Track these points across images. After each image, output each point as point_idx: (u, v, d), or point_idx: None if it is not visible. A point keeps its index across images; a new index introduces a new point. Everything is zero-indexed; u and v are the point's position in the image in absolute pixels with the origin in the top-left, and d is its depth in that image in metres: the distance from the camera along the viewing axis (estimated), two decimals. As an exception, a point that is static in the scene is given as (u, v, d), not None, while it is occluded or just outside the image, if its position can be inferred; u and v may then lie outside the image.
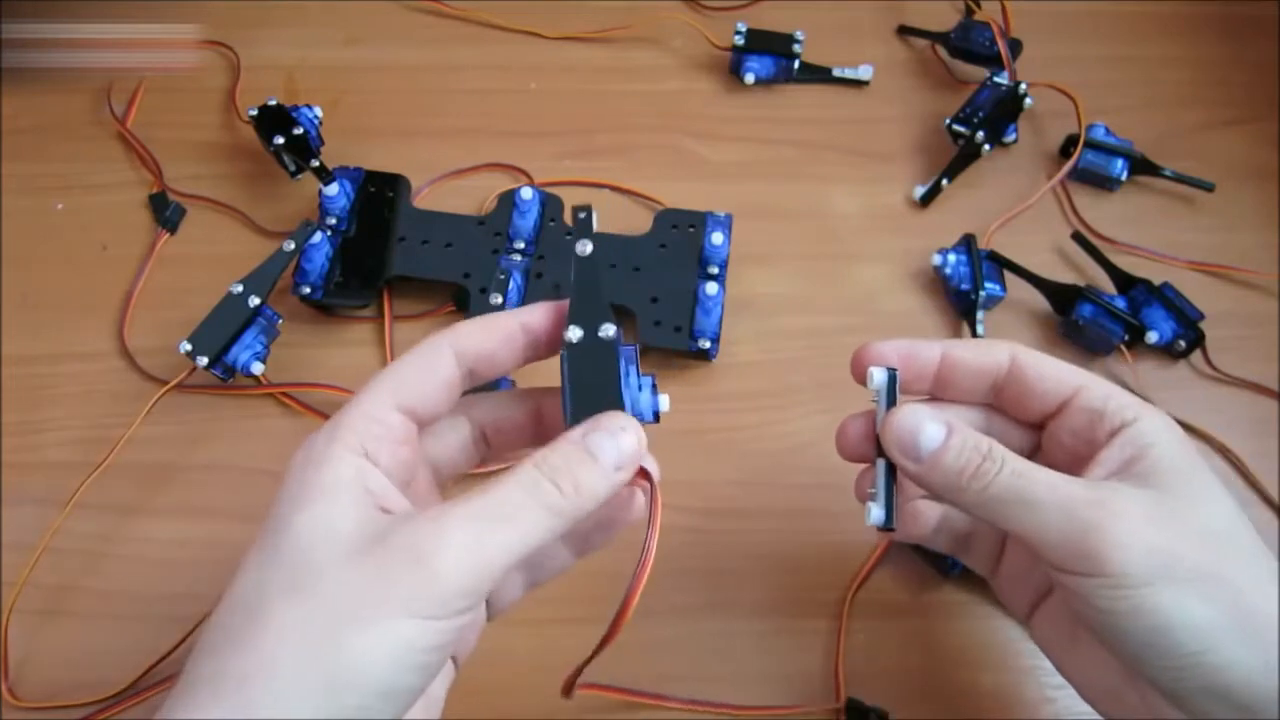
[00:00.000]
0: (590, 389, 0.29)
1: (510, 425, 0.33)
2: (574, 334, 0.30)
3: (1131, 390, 0.34)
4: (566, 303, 0.30)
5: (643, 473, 0.29)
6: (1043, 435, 0.34)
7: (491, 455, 0.34)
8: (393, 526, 0.26)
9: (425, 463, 0.32)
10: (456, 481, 0.34)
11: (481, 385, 0.32)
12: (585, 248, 0.31)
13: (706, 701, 0.41)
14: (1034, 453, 0.34)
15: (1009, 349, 0.33)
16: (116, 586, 0.43)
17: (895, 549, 0.44)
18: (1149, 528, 0.28)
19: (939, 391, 0.34)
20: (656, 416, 0.30)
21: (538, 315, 0.31)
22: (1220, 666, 0.28)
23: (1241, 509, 0.30)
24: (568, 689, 0.32)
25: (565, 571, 0.33)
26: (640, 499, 0.31)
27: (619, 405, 0.29)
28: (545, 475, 0.27)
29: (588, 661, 0.29)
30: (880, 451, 0.32)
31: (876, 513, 0.32)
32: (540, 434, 0.33)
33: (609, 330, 0.30)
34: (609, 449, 0.28)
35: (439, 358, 0.30)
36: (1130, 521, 0.28)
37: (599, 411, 0.28)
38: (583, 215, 0.31)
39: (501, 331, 0.31)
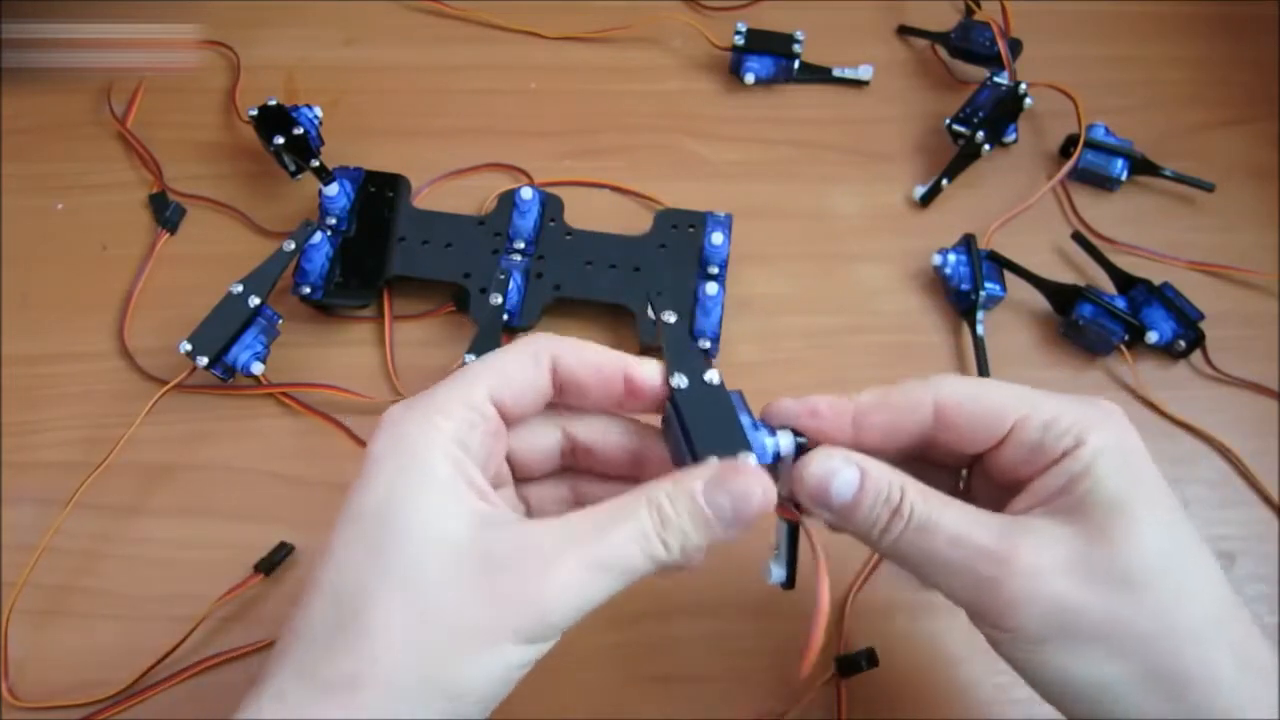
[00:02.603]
0: (711, 429, 0.29)
1: (608, 453, 0.32)
2: (680, 380, 0.30)
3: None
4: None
5: (789, 508, 0.29)
6: (975, 463, 0.32)
7: (573, 468, 0.33)
8: (501, 541, 0.26)
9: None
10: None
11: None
12: (671, 317, 0.32)
13: None
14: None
15: (931, 392, 0.30)
16: (116, 586, 0.43)
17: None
18: (1054, 579, 0.27)
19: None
20: (776, 458, 0.30)
21: (647, 371, 0.30)
22: (1129, 718, 0.27)
23: (1190, 532, 0.28)
24: None
25: None
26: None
27: (745, 442, 0.28)
28: (659, 531, 0.27)
29: None
30: (781, 505, 0.30)
31: (777, 572, 0.31)
32: (634, 474, 0.32)
33: (714, 375, 0.30)
34: (727, 512, 0.27)
35: (540, 362, 0.30)
36: (1032, 575, 0.27)
37: (726, 448, 0.28)
38: (657, 294, 0.35)
39: (604, 370, 0.30)
